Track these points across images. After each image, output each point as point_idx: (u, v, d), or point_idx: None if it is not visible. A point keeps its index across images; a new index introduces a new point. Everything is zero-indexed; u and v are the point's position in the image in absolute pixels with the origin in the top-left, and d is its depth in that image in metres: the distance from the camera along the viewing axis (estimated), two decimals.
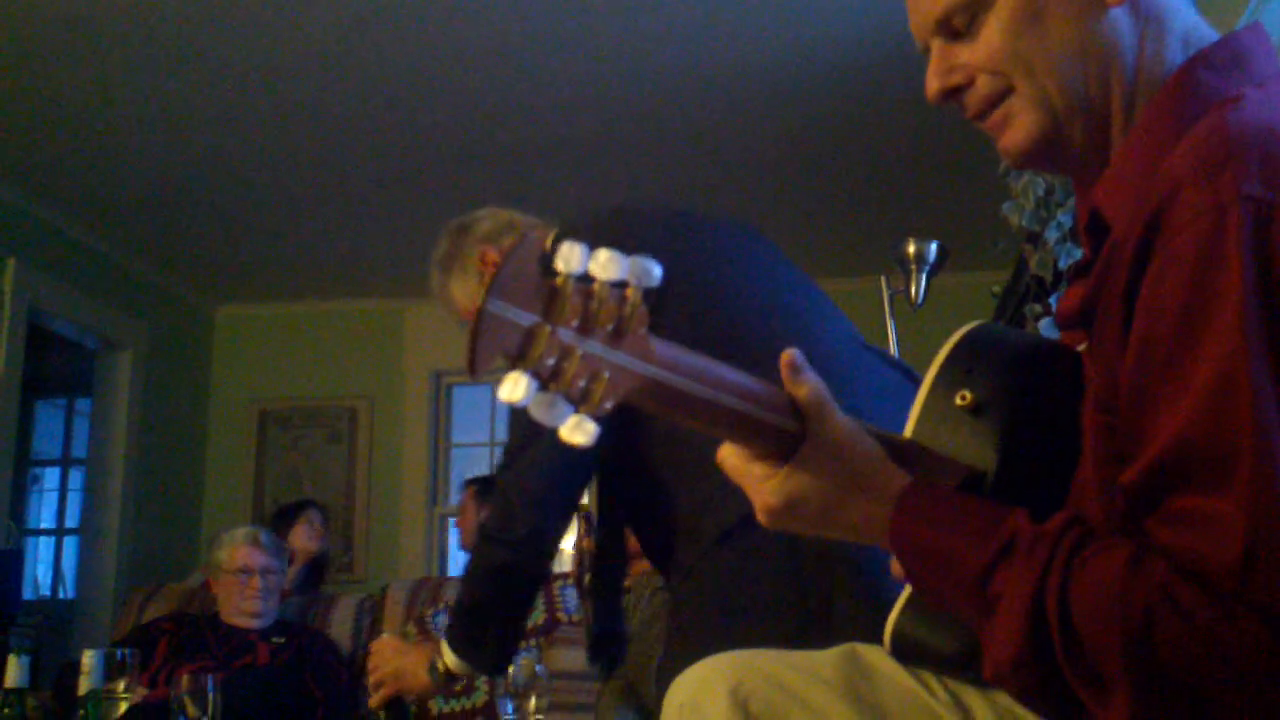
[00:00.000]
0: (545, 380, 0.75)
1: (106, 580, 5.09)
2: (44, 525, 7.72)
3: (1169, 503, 0.83)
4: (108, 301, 5.15)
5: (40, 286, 4.68)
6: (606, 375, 0.77)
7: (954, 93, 1.06)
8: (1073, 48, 1.00)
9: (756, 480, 0.98)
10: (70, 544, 7.26)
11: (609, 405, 0.78)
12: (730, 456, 1.01)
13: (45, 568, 7.60)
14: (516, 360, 0.74)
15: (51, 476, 7.77)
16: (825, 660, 1.17)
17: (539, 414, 0.75)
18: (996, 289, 3.85)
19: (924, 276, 3.63)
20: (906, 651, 1.10)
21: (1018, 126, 1.03)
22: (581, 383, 0.76)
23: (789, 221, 4.95)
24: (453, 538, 5.67)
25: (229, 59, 3.60)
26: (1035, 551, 0.87)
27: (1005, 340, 1.07)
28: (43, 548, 7.71)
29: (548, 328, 0.74)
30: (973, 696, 1.10)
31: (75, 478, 7.37)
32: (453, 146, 4.22)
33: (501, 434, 6.10)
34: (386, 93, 3.83)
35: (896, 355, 3.22)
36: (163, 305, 5.59)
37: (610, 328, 0.77)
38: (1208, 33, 1.02)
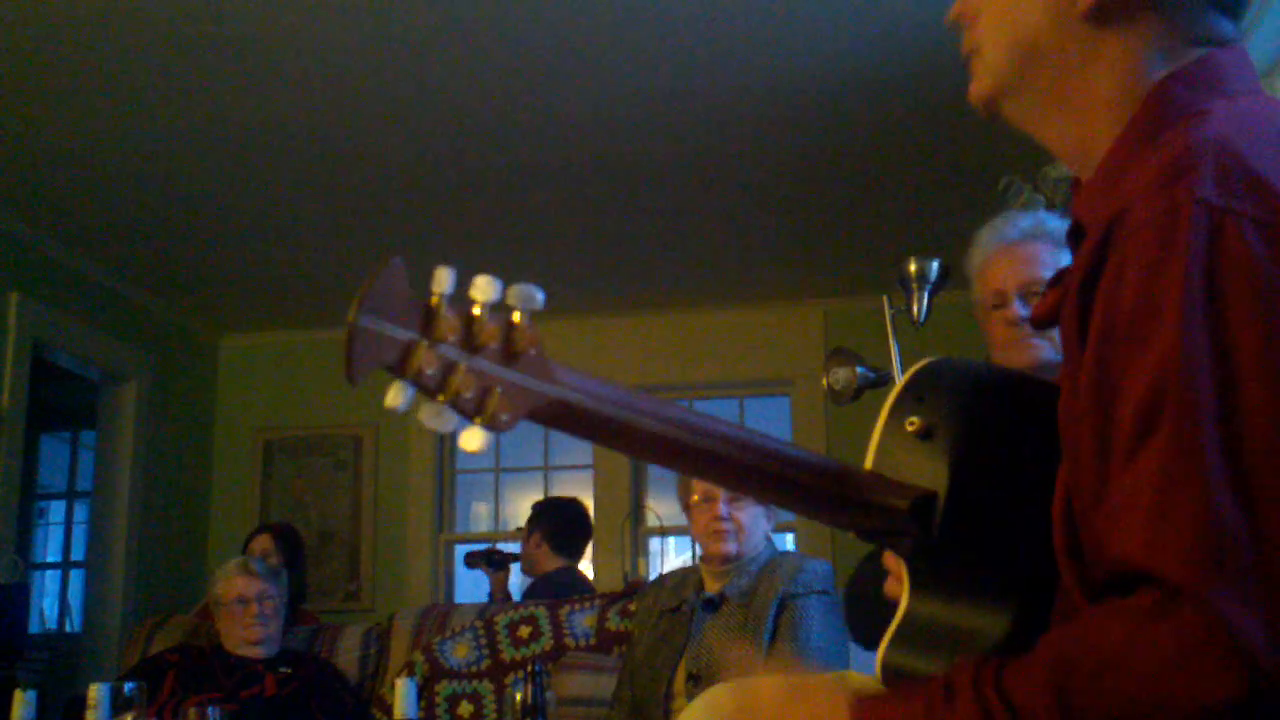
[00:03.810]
0: (431, 391, 0.82)
1: (113, 613, 5.08)
2: (50, 558, 7.72)
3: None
4: (111, 333, 5.16)
5: (43, 319, 4.69)
6: (499, 391, 0.84)
7: (959, 26, 1.13)
8: (1033, 36, 1.04)
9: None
10: (76, 577, 7.26)
11: (506, 419, 0.85)
12: None
13: (51, 601, 7.60)
14: (396, 371, 0.81)
15: (57, 509, 7.77)
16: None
17: (428, 420, 0.82)
18: None
19: (926, 295, 3.62)
20: (897, 682, 1.11)
21: (975, 84, 1.12)
22: (469, 395, 0.82)
23: (790, 243, 4.96)
24: (459, 564, 5.65)
25: (229, 89, 3.61)
26: (978, 683, 0.88)
27: (957, 370, 1.12)
28: (49, 581, 7.71)
29: (424, 342, 0.81)
30: None
31: (80, 510, 7.37)
32: (453, 172, 4.23)
33: (506, 460, 6.11)
34: (387, 120, 3.84)
35: (900, 374, 3.21)
36: (166, 336, 5.60)
37: (496, 346, 0.83)
38: (1199, 49, 1.02)
